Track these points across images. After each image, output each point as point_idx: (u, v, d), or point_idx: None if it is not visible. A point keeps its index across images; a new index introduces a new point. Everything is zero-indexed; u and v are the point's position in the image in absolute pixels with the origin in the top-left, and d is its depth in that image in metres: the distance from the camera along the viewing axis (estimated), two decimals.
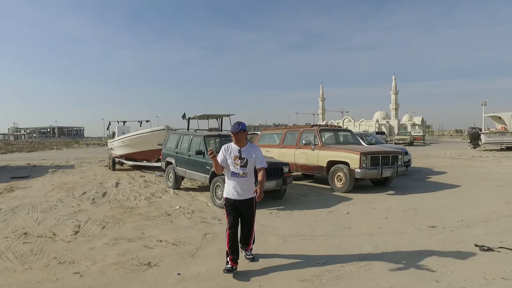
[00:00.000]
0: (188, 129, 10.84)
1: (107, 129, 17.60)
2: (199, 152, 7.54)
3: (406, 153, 11.50)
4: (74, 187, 9.35)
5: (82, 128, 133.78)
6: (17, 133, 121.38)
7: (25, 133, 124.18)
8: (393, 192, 8.34)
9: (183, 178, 9.02)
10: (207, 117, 12.82)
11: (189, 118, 11.87)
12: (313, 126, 10.01)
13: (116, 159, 14.52)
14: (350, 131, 10.94)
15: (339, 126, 12.37)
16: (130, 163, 14.44)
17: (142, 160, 13.86)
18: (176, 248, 4.29)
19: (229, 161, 3.53)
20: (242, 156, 3.51)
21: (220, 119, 12.59)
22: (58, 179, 11.29)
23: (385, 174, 8.38)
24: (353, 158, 8.17)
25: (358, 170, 8.00)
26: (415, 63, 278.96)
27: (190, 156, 8.24)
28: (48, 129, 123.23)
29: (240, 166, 3.51)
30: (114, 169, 14.19)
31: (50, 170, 14.05)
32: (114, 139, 15.45)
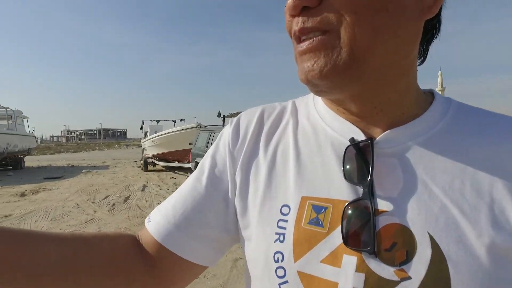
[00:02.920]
0: (223, 126, 9.86)
1: (140, 128, 17.19)
2: None
3: None
4: (98, 189, 8.65)
5: (125, 130, 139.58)
6: (68, 135, 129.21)
7: (74, 135, 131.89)
8: None
9: None
10: None
11: (224, 116, 11.03)
12: None
13: (148, 160, 13.94)
14: None
15: None
16: (162, 163, 13.76)
17: (174, 160, 13.13)
18: (193, 284, 3.16)
19: (262, 253, 0.44)
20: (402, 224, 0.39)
21: None
22: (87, 180, 10.76)
23: None
24: None
25: None
26: (461, 57, 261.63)
27: None
28: (95, 131, 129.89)
29: None
30: (146, 170, 13.63)
31: (83, 170, 13.73)
32: (146, 139, 14.93)
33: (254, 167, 0.49)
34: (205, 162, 0.53)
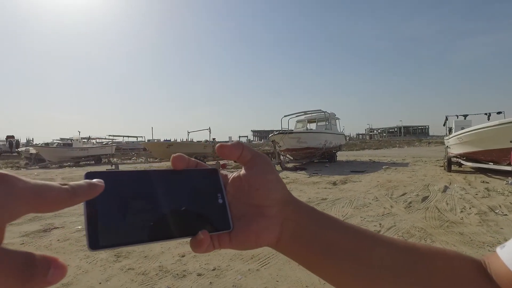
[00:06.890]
0: None
1: (444, 125, 15.72)
2: None
3: None
4: (396, 186, 8.77)
5: (427, 127, 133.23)
6: (371, 133, 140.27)
7: (376, 133, 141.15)
8: None
9: None
10: None
11: None
12: None
13: (453, 159, 12.62)
14: None
15: None
16: (470, 164, 11.99)
17: (487, 161, 11.09)
18: None
19: None
20: None
21: None
22: (386, 176, 11.20)
23: None
24: None
25: None
26: None
27: None
28: (395, 129, 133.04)
29: None
30: (449, 170, 12.40)
31: (384, 166, 14.40)
32: (450, 136, 13.54)
33: None
34: None
